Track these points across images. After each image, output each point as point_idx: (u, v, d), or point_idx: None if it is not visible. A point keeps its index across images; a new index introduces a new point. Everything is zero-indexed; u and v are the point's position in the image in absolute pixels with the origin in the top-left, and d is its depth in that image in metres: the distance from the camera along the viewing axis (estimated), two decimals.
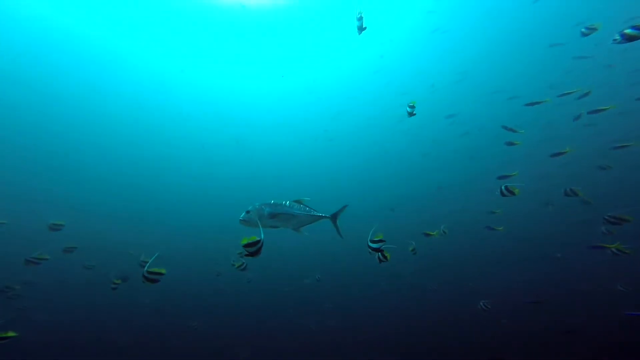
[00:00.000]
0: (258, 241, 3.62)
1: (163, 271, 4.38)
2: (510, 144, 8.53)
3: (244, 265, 5.61)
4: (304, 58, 23.72)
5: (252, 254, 3.67)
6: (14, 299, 9.03)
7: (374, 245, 3.86)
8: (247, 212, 3.90)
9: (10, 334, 4.50)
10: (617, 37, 4.40)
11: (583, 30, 5.77)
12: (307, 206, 4.20)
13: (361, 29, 5.17)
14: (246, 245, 3.56)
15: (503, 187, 6.25)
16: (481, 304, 8.16)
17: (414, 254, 6.86)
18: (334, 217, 4.28)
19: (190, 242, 28.68)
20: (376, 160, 29.81)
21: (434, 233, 8.50)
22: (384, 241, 3.89)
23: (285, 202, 4.08)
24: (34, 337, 10.25)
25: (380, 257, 4.11)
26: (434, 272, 16.99)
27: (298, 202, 4.15)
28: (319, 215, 4.21)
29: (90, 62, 22.77)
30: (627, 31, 4.16)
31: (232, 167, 32.10)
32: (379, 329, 12.57)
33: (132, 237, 27.86)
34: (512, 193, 6.16)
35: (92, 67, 23.14)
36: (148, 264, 4.52)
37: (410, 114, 5.22)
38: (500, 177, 8.34)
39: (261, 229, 3.85)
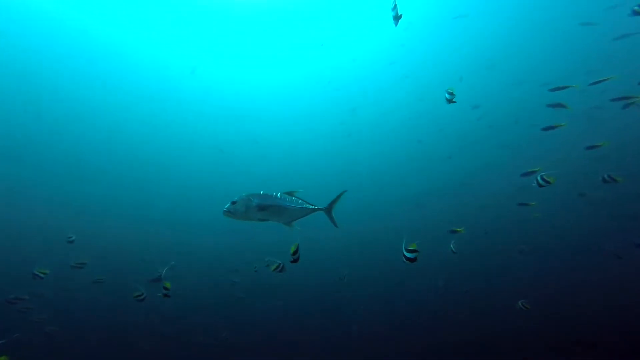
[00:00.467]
0: (297, 247, 3.87)
1: (167, 285, 4.96)
2: (549, 128, 8.12)
3: (281, 265, 5.64)
4: (316, 49, 23.67)
5: (296, 261, 3.94)
6: (24, 311, 8.84)
7: (409, 255, 3.97)
8: (233, 202, 3.75)
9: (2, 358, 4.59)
10: None
11: (636, 8, 5.51)
12: (300, 198, 4.07)
13: (397, 18, 5.09)
14: (294, 253, 3.83)
15: (539, 178, 6.17)
16: (520, 303, 8.01)
17: (454, 253, 6.84)
18: (328, 209, 4.15)
19: (202, 242, 28.85)
20: (397, 155, 29.48)
21: (461, 229, 8.50)
22: (418, 251, 3.99)
23: (276, 194, 3.96)
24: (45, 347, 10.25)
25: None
26: (463, 269, 16.78)
27: (289, 194, 4.04)
28: (313, 208, 4.09)
29: (96, 58, 23.28)
30: None
31: (247, 164, 32.30)
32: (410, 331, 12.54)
33: (142, 238, 27.90)
34: (548, 182, 6.07)
35: (99, 62, 23.67)
36: (163, 274, 4.83)
37: (450, 101, 5.15)
38: (524, 174, 8.10)
39: (298, 242, 3.80)
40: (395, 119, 27.87)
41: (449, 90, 5.08)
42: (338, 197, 4.12)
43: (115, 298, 14.37)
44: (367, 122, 28.60)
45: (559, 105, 7.98)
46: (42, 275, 6.49)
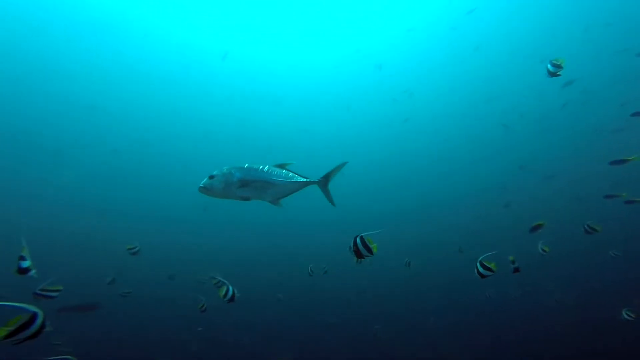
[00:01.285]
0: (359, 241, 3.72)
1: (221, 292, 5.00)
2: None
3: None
4: (360, 19, 23.22)
5: (357, 253, 3.71)
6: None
7: (483, 271, 4.09)
8: (211, 177, 3.54)
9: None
10: None
11: None
12: (291, 171, 3.85)
13: None
14: (369, 251, 3.68)
15: None
16: (624, 313, 7.47)
17: (543, 254, 6.52)
18: (323, 182, 3.87)
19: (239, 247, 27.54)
20: (465, 143, 28.21)
21: (542, 223, 8.12)
22: (494, 272, 4.07)
23: (263, 167, 3.74)
24: None
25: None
26: (550, 274, 15.88)
27: (280, 166, 3.82)
28: (305, 182, 3.83)
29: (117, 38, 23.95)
30: None
31: (298, 157, 32.26)
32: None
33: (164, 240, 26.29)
34: None
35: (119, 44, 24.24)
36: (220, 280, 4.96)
37: (553, 75, 4.79)
38: (614, 162, 7.44)
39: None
40: (462, 100, 26.61)
41: (555, 62, 4.71)
42: (336, 168, 3.85)
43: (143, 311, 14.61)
44: (428, 105, 27.61)
45: None
46: (52, 294, 5.10)
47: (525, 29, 21.15)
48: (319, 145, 31.57)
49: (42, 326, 2.65)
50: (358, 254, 3.63)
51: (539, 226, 8.19)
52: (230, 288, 5.06)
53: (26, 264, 3.78)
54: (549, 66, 4.80)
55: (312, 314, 16.13)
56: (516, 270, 4.93)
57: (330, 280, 13.01)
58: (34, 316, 2.60)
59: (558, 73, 4.74)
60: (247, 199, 3.71)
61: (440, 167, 29.37)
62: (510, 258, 4.96)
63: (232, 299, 5.11)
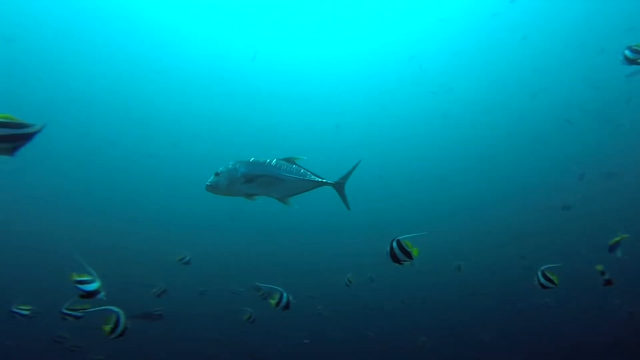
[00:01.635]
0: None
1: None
2: None
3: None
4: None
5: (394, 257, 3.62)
6: (75, 350, 8.08)
7: (545, 283, 4.13)
8: (217, 174, 3.46)
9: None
10: None
11: None
12: (302, 167, 3.69)
13: None
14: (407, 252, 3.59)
15: None
16: None
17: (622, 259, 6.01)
18: (339, 185, 3.74)
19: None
20: (511, 141, 27.09)
21: (623, 237, 7.46)
22: (556, 285, 4.09)
23: (270, 161, 3.61)
24: None
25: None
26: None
27: (289, 161, 3.66)
28: (317, 181, 3.68)
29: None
30: None
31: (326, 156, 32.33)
32: None
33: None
34: None
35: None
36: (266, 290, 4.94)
37: (632, 62, 4.37)
38: None
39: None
40: (507, 94, 25.59)
41: (636, 47, 4.28)
42: (352, 169, 3.75)
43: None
44: (470, 100, 26.74)
45: None
46: (78, 314, 4.76)
47: (575, 16, 20.10)
48: (350, 144, 31.29)
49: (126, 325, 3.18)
50: (395, 259, 3.54)
51: (618, 242, 7.47)
52: (285, 294, 4.90)
53: (93, 286, 3.56)
54: (627, 52, 4.38)
55: (350, 325, 15.93)
56: (608, 282, 4.58)
57: (370, 288, 12.80)
58: (118, 316, 3.17)
59: (638, 61, 4.34)
60: (253, 195, 3.62)
61: (486, 165, 28.29)
62: (599, 268, 4.63)
63: (287, 305, 4.97)
